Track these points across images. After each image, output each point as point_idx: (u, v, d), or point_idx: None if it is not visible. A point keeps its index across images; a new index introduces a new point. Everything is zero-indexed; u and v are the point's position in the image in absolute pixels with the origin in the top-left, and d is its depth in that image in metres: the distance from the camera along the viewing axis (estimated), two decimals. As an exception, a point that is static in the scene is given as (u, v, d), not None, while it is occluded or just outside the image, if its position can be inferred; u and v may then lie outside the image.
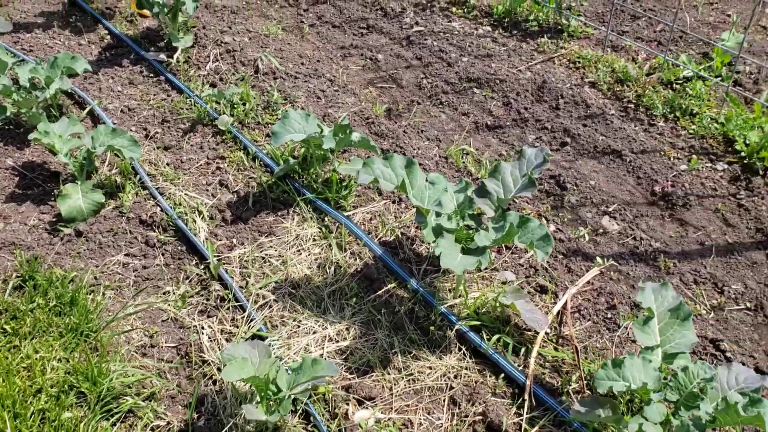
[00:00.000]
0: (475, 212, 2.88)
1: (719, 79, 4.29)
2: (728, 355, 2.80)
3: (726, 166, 3.74)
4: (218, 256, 3.19)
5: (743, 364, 2.76)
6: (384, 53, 4.78)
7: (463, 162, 3.75)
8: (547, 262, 3.20)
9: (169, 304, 3.00)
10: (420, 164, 3.62)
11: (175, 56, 4.57)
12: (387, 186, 2.73)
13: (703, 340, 2.87)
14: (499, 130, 4.05)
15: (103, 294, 3.02)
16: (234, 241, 3.30)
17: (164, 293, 3.06)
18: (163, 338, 2.87)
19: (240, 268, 3.16)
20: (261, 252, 3.23)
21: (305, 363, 2.44)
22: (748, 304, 3.04)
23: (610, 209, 3.51)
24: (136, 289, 3.07)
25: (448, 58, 4.63)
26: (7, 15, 5.10)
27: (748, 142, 3.76)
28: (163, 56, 4.59)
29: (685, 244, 3.33)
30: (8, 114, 3.89)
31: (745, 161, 3.73)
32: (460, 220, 2.81)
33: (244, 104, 4.12)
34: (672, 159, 3.77)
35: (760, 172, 3.65)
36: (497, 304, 2.88)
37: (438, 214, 2.73)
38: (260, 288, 3.05)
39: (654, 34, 4.90)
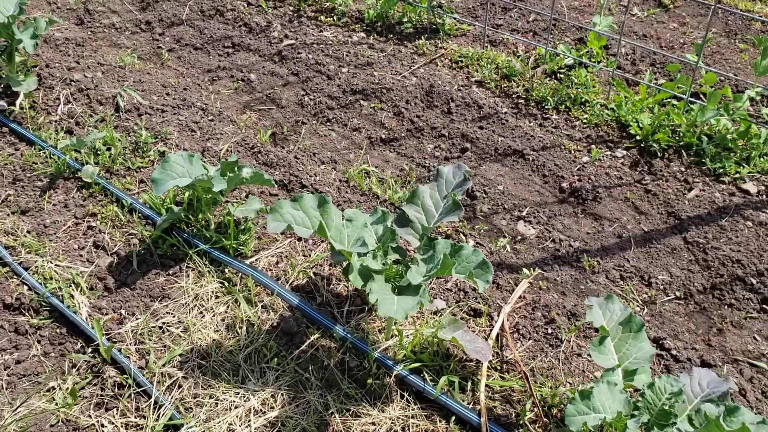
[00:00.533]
0: (399, 244, 2.62)
1: (600, 64, 4.29)
2: (674, 353, 2.71)
3: (625, 152, 3.71)
4: (107, 333, 2.74)
5: (689, 360, 2.70)
6: (256, 72, 4.41)
7: (367, 184, 3.48)
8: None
9: (56, 404, 2.52)
10: (320, 191, 3.32)
11: (17, 102, 3.97)
12: (303, 232, 2.40)
13: (645, 341, 2.77)
14: (395, 143, 3.82)
15: (-30, 407, 2.49)
16: (123, 312, 2.85)
17: (48, 390, 2.57)
18: (55, 448, 2.40)
19: (136, 345, 2.72)
20: (157, 321, 2.81)
21: (237, 454, 2.08)
22: (677, 293, 2.99)
23: (524, 213, 3.37)
24: (11, 393, 2.56)
25: (327, 71, 4.34)
26: None
27: (641, 125, 3.75)
28: (2, 104, 3.97)
29: (604, 239, 3.25)
30: None
31: (642, 145, 3.72)
32: (383, 256, 2.54)
33: (109, 149, 3.62)
34: (573, 152, 3.70)
35: (659, 154, 3.65)
36: (435, 340, 2.64)
37: (362, 254, 2.44)
38: (164, 365, 2.63)
39: (528, 24, 4.85)
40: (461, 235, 3.23)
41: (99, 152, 3.59)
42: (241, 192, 3.41)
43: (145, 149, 3.64)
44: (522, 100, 4.06)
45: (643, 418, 2.15)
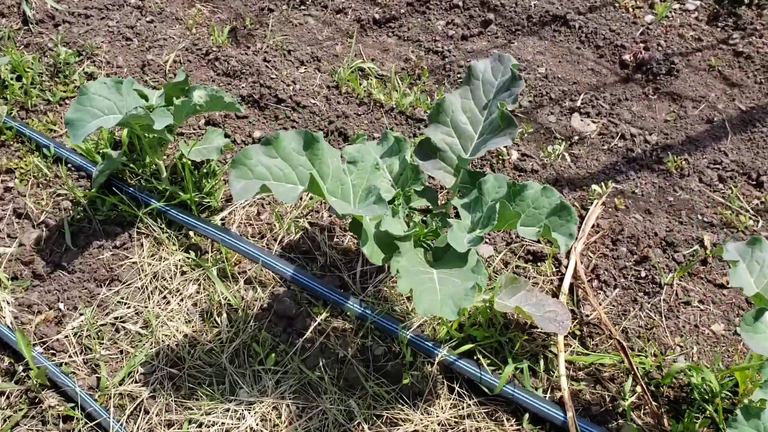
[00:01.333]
0: (426, 185, 1.81)
1: None
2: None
3: (698, 3, 2.80)
4: (43, 341, 2.01)
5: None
6: (203, -51, 3.40)
7: (364, 88, 2.61)
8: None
9: (-19, 455, 1.83)
10: (304, 106, 2.47)
11: None
12: (286, 194, 1.55)
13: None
14: (394, 24, 2.91)
15: None
16: (62, 307, 2.09)
17: (-32, 437, 1.87)
18: None
19: (82, 354, 1.99)
20: (107, 315, 2.06)
21: None
22: (799, 193, 2.21)
23: (578, 102, 2.53)
24: None
25: (293, -63, 3.32)
26: None
27: (717, -38, 2.81)
28: None
29: (689, 127, 2.43)
30: None
31: (721, -11, 2.80)
32: (405, 206, 1.74)
33: (20, 78, 2.73)
34: (631, 10, 2.79)
35: (745, 0, 2.74)
36: (487, 307, 1.90)
37: (379, 212, 1.63)
38: (121, 382, 1.91)
39: None
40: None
41: (7, 84, 2.70)
42: (198, 120, 2.56)
43: (67, 72, 2.74)
44: (553, -54, 3.09)
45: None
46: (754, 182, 2.26)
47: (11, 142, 2.56)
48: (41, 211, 2.33)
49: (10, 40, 2.90)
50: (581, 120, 2.47)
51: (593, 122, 2.47)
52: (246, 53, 2.82)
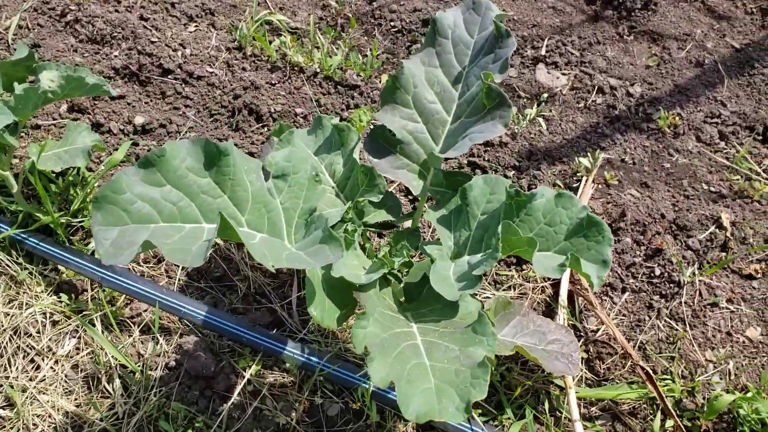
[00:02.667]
0: (384, 191, 1.29)
1: None
2: None
3: None
4: None
5: None
6: None
7: (278, 47, 2.03)
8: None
9: None
10: (200, 78, 1.91)
11: None
12: (188, 247, 0.98)
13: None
14: (305, -38, 2.32)
15: None
16: None
17: None
18: None
19: None
20: (-48, 396, 1.48)
21: None
22: (814, 147, 1.85)
23: (542, 51, 2.06)
24: None
25: None
26: None
27: None
28: None
29: (677, 73, 2.01)
30: None
31: None
32: (357, 220, 1.23)
33: None
34: (591, -69, 2.31)
35: None
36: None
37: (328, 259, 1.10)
38: (-21, 496, 1.36)
39: None
40: (457, 112, 1.92)
41: None
42: (59, 106, 1.93)
43: None
44: None
45: None
46: (761, 137, 1.88)
47: None
48: None
49: None
50: (548, 72, 2.01)
51: (563, 74, 2.01)
52: (116, 9, 2.17)
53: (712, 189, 1.77)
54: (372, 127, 1.36)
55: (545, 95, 1.96)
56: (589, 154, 1.81)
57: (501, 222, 1.07)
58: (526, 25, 2.12)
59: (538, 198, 1.11)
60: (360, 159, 1.27)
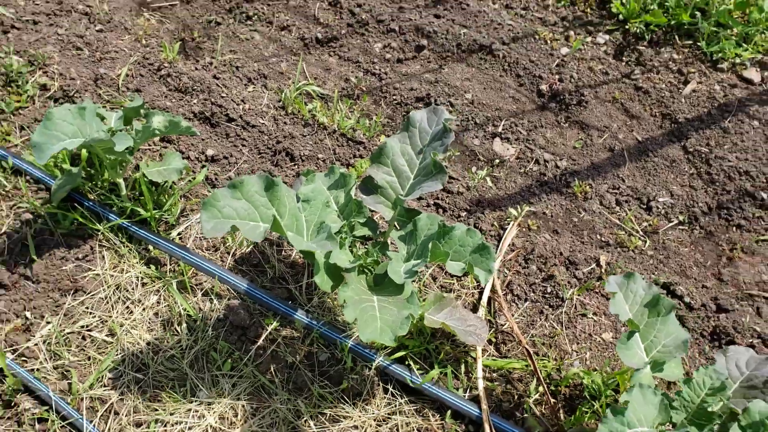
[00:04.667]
0: (368, 216, 2.08)
1: None
2: (687, 300, 2.37)
3: (608, 37, 3.15)
4: (13, 348, 2.19)
5: (704, 307, 2.37)
6: (149, -46, 3.51)
7: (310, 110, 2.84)
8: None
9: (-40, 456, 2.02)
10: (253, 126, 2.70)
11: None
12: (252, 232, 1.81)
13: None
14: (335, 44, 3.13)
15: None
16: (28, 315, 2.27)
17: (-53, 438, 2.05)
18: None
19: (52, 360, 2.19)
20: (74, 324, 2.26)
21: None
22: (681, 218, 2.61)
23: (499, 128, 2.85)
24: None
25: (238, -52, 3.48)
26: None
27: (624, 2, 3.16)
28: None
29: (594, 154, 2.79)
30: None
31: (627, 26, 3.16)
32: (348, 233, 2.02)
33: (-28, 86, 2.82)
34: (549, 42, 3.11)
35: (647, 38, 3.11)
36: (420, 324, 2.21)
37: (329, 245, 1.90)
38: (91, 386, 2.13)
39: None
40: (431, 168, 2.70)
41: (-41, 91, 2.79)
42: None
43: (20, 82, 2.85)
44: (482, -25, 3.37)
45: (679, 417, 1.83)
46: (644, 206, 2.64)
47: (-33, 152, 2.67)
48: (2, 222, 2.48)
49: (-41, 46, 2.97)
50: (502, 144, 2.80)
51: (512, 146, 2.79)
52: (196, 68, 2.99)
53: (602, 239, 2.54)
54: (365, 176, 2.13)
55: (497, 160, 2.75)
56: (518, 206, 2.58)
57: (432, 242, 1.84)
58: (491, 108, 2.91)
59: (457, 230, 1.89)
60: (355, 195, 2.05)
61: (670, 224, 2.59)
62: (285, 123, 2.79)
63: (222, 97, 2.85)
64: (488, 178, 2.68)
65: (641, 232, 2.56)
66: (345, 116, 2.80)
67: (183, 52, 3.08)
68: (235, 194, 1.83)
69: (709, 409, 1.76)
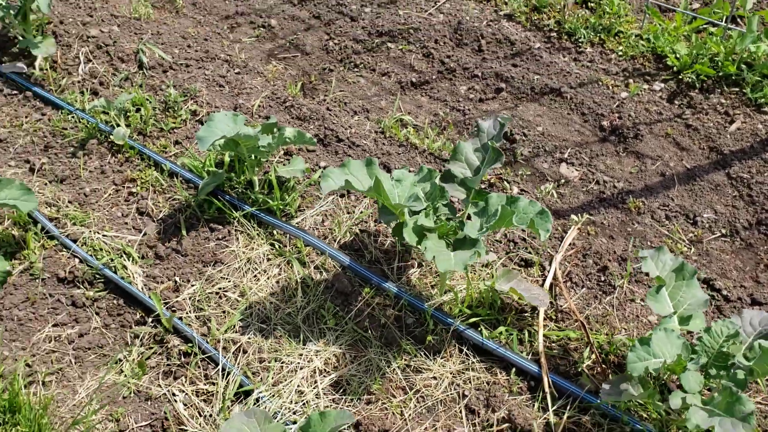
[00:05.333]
0: (448, 201, 2.62)
1: (631, -11, 4.15)
2: (725, 293, 2.75)
3: (663, 85, 3.64)
4: (166, 302, 2.78)
5: (740, 300, 2.73)
6: (276, 17, 4.29)
7: (404, 134, 3.44)
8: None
9: (125, 375, 2.58)
10: (357, 145, 3.29)
11: (36, 64, 3.89)
12: (359, 185, 2.45)
13: (696, 282, 2.80)
14: (427, 87, 3.75)
15: (44, 383, 2.55)
16: (178, 279, 2.88)
17: (116, 362, 2.63)
18: (131, 419, 2.47)
19: (195, 312, 2.76)
20: (213, 286, 2.84)
21: (313, 420, 2.14)
22: (723, 231, 2.99)
23: (565, 155, 3.34)
24: (80, 367, 2.62)
25: (349, 12, 4.21)
26: None
27: (678, 56, 3.66)
28: (22, 66, 3.89)
29: (647, 178, 3.23)
30: None
31: (680, 76, 3.64)
32: (434, 213, 2.55)
33: (139, 110, 3.57)
34: (610, 88, 3.63)
35: (697, 86, 3.58)
36: (490, 294, 2.68)
37: (414, 213, 2.44)
38: (226, 331, 2.68)
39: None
40: (504, 182, 3.22)
41: (129, 114, 3.54)
42: (279, 151, 3.38)
43: (175, 108, 3.58)
44: (554, 34, 3.95)
45: (701, 360, 2.21)
46: (691, 221, 3.05)
47: (134, 159, 3.38)
48: (159, 210, 3.14)
49: (129, 81, 3.75)
50: (567, 168, 3.28)
51: (576, 170, 3.27)
52: (312, 103, 3.66)
53: (652, 245, 2.95)
54: (445, 170, 2.67)
55: (563, 180, 3.23)
56: (579, 215, 3.05)
57: (501, 206, 2.34)
58: (559, 139, 3.42)
59: (521, 201, 2.39)
60: (438, 184, 2.59)
61: (714, 236, 2.98)
62: (383, 144, 3.39)
63: (333, 123, 3.48)
64: (554, 192, 3.16)
65: (687, 241, 2.96)
66: (433, 140, 3.38)
67: (303, 91, 3.77)
68: (344, 171, 2.43)
69: (725, 350, 2.15)
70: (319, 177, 2.42)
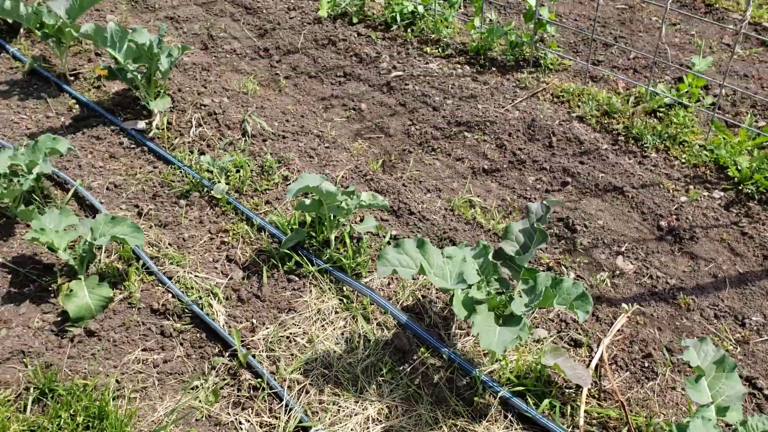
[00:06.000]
0: (501, 275, 2.87)
1: (698, 104, 4.40)
2: (766, 392, 2.85)
3: (722, 194, 3.83)
4: (242, 340, 3.09)
5: (782, 401, 2.82)
6: (366, 102, 4.74)
7: (471, 213, 3.74)
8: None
9: (200, 401, 2.88)
10: (427, 219, 3.60)
11: (154, 124, 4.43)
12: (406, 273, 2.75)
13: (739, 380, 2.92)
14: (497, 174, 4.06)
15: (129, 399, 2.88)
16: (255, 321, 3.20)
17: (192, 389, 2.94)
18: (200, 439, 2.75)
19: (267, 352, 3.06)
20: (285, 331, 3.14)
21: (363, 457, 2.37)
22: (771, 335, 3.11)
23: (623, 249, 3.55)
24: (162, 388, 2.94)
25: (432, 102, 4.63)
26: (-35, 91, 4.86)
27: (739, 168, 3.86)
28: (141, 124, 4.45)
29: (699, 278, 3.39)
30: (-10, 205, 3.70)
31: (739, 187, 3.83)
32: (485, 287, 2.80)
33: (238, 171, 4.02)
34: (671, 191, 3.84)
35: (756, 197, 3.76)
36: (537, 367, 2.87)
37: (464, 287, 2.71)
38: (292, 372, 2.96)
39: (629, 61, 5.00)
40: (562, 267, 3.44)
41: (229, 173, 3.99)
42: (355, 217, 3.72)
43: (270, 173, 4.01)
44: (622, 137, 4.23)
45: (736, 454, 2.33)
46: (739, 323, 3.18)
47: (229, 213, 3.80)
48: (246, 259, 3.51)
49: (233, 146, 4.23)
50: (623, 260, 3.49)
51: (631, 263, 3.47)
52: (390, 179, 4.03)
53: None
54: (497, 248, 2.94)
55: (618, 272, 3.43)
56: (630, 304, 3.23)
57: (545, 287, 2.57)
58: (617, 234, 3.64)
59: (565, 282, 2.62)
60: (491, 260, 2.85)
61: (761, 339, 3.10)
62: (451, 220, 3.69)
63: (407, 198, 3.82)
64: (609, 282, 3.37)
65: (733, 341, 3.09)
66: (498, 221, 3.66)
67: (383, 168, 4.15)
68: (399, 251, 2.75)
69: (759, 444, 2.27)
70: (378, 261, 2.77)
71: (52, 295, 3.35)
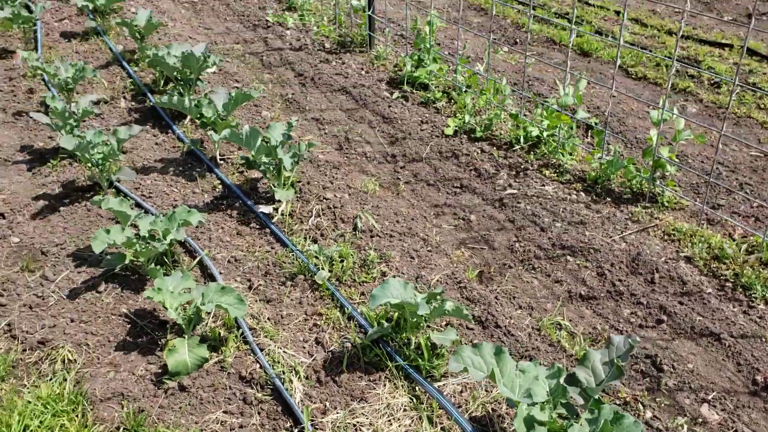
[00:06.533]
0: (569, 400, 2.87)
1: (822, 260, 4.21)
2: None
3: (834, 357, 3.59)
4: (312, 420, 3.26)
5: None
6: (476, 214, 4.95)
7: (557, 336, 3.76)
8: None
9: (261, 468, 3.06)
10: (512, 334, 3.66)
11: (279, 210, 4.88)
12: (477, 375, 2.80)
13: None
14: (593, 302, 4.06)
15: (201, 453, 3.12)
16: (327, 404, 3.37)
17: (258, 456, 3.13)
18: (254, 505, 2.91)
19: (332, 435, 3.21)
20: (353, 419, 3.28)
21: None
22: None
23: (710, 397, 3.40)
24: (231, 450, 3.16)
25: (541, 223, 4.75)
26: (131, 162, 5.61)
27: None
28: (269, 209, 4.91)
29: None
30: (126, 262, 4.22)
31: None
32: (552, 410, 2.81)
33: (342, 261, 4.31)
34: (775, 345, 3.66)
35: None
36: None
37: (530, 404, 2.74)
38: (351, 458, 3.08)
39: (751, 209, 4.88)
40: (639, 404, 3.36)
41: (334, 262, 4.29)
42: (442, 320, 3.86)
43: (370, 267, 4.28)
44: (729, 284, 4.11)
45: None
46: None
47: (326, 298, 4.07)
48: (332, 343, 3.73)
49: (343, 239, 4.56)
50: (708, 409, 3.34)
51: (717, 414, 3.32)
52: (484, 290, 4.15)
53: None
54: (571, 373, 2.94)
55: (700, 420, 3.29)
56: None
57: (604, 421, 2.55)
58: (706, 380, 3.49)
59: (627, 419, 2.58)
60: (562, 384, 2.86)
61: None
62: (536, 339, 3.73)
63: (496, 311, 3.92)
64: (686, 428, 3.23)
65: None
66: (583, 348, 3.65)
67: (479, 278, 4.29)
68: (475, 352, 2.84)
69: None
70: (453, 356, 2.87)
71: (159, 348, 3.73)
